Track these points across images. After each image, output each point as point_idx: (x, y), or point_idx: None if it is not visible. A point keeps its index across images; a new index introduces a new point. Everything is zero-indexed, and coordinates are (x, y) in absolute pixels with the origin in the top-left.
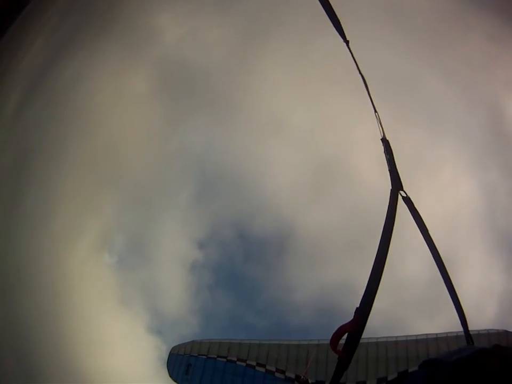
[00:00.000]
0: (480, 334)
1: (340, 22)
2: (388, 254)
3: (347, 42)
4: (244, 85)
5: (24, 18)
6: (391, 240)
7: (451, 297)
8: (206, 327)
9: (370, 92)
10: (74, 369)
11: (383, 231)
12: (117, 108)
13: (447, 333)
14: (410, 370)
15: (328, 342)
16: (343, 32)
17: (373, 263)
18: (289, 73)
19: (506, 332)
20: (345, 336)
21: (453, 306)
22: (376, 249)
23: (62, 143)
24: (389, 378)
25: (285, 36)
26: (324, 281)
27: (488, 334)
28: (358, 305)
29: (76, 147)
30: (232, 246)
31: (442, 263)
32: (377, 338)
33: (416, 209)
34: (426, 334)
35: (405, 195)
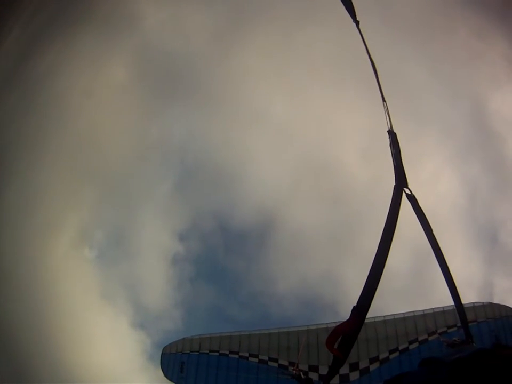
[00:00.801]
0: (465, 308)
1: (351, 1)
2: (389, 254)
3: (357, 22)
4: (226, 74)
5: (1, 5)
6: (393, 240)
7: (452, 296)
8: (189, 321)
9: (379, 78)
10: (58, 364)
11: (384, 229)
12: (95, 98)
13: (433, 308)
14: (400, 347)
15: (317, 327)
16: (354, 11)
17: (372, 262)
18: (273, 62)
19: (491, 304)
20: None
21: (454, 306)
22: (376, 248)
23: (40, 136)
24: (381, 357)
25: (271, 22)
26: (304, 273)
27: (474, 307)
28: (355, 304)
29: (54, 139)
30: (213, 238)
31: (446, 263)
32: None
33: (420, 208)
34: (413, 311)
35: (409, 192)
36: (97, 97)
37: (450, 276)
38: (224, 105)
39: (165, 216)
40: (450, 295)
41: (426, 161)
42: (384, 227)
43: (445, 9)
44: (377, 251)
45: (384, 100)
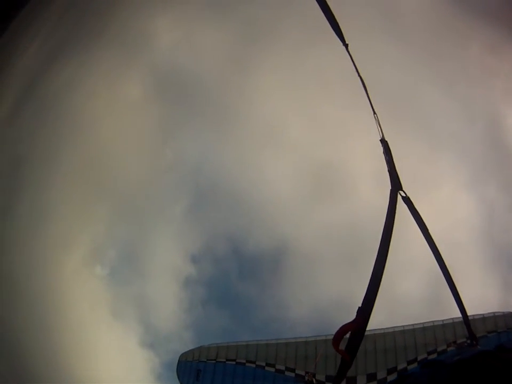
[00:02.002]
0: (485, 318)
1: (339, 26)
2: (389, 254)
3: (346, 45)
4: (240, 93)
5: (20, 22)
6: (391, 240)
7: (453, 295)
8: (199, 343)
9: (369, 93)
10: (67, 381)
11: (383, 231)
12: (110, 115)
13: (452, 318)
14: (419, 358)
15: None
16: (343, 35)
17: (374, 263)
18: (284, 80)
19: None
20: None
21: (456, 305)
22: (377, 249)
23: (55, 150)
24: (399, 367)
25: (281, 41)
26: (319, 297)
27: (494, 317)
28: (360, 305)
29: (68, 155)
30: (226, 261)
31: (443, 261)
32: (384, 329)
33: (416, 209)
34: (433, 321)
35: (404, 195)
36: (112, 114)
37: (450, 275)
38: (239, 125)
39: (178, 238)
40: (451, 293)
41: (442, 184)
42: (383, 230)
43: (457, 24)
44: (377, 253)
45: (374, 112)
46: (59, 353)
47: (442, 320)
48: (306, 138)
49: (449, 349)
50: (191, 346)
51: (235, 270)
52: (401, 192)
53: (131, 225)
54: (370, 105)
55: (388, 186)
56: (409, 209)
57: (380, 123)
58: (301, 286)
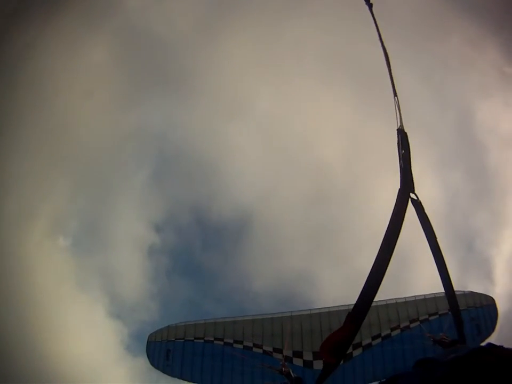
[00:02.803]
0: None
1: None
2: (389, 263)
3: (370, 5)
4: (210, 63)
5: None
6: (395, 247)
7: (450, 306)
8: (165, 313)
9: (391, 70)
10: (35, 355)
11: (385, 237)
12: (71, 79)
13: (415, 296)
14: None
15: (301, 313)
16: None
17: (371, 269)
18: (260, 53)
19: (472, 293)
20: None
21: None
22: (376, 255)
23: (13, 121)
24: (363, 343)
25: (260, 10)
26: (280, 270)
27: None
28: (350, 311)
29: (27, 125)
30: (190, 231)
31: (448, 273)
32: (348, 305)
33: (426, 215)
34: (395, 298)
35: (415, 198)
36: (74, 81)
37: (452, 286)
38: (207, 95)
39: (141, 207)
40: (448, 302)
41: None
42: (385, 234)
43: (438, 15)
44: (376, 259)
45: (395, 95)
46: (26, 327)
47: (405, 298)
48: (275, 112)
49: (412, 325)
50: (157, 317)
51: (199, 239)
52: (411, 194)
53: (93, 195)
54: (391, 85)
55: (396, 185)
56: (417, 214)
57: (400, 108)
58: (264, 258)
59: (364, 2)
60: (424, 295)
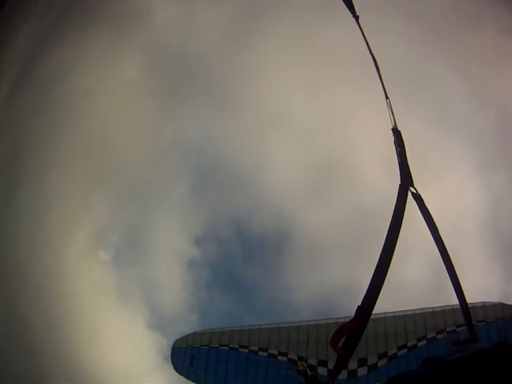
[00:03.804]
0: (475, 307)
1: None
2: (394, 254)
3: (357, 17)
4: (244, 72)
5: (9, 7)
6: (398, 239)
7: (456, 293)
8: (204, 325)
9: (381, 74)
10: (75, 365)
11: (389, 229)
12: (108, 96)
13: (443, 306)
14: (409, 344)
15: (327, 321)
16: (353, 6)
17: (377, 262)
18: (291, 59)
19: (501, 304)
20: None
21: (459, 305)
22: (382, 248)
23: (53, 136)
24: (389, 353)
25: (286, 17)
26: (323, 281)
27: (484, 307)
28: (359, 304)
29: (67, 140)
30: (230, 243)
31: (451, 263)
32: (375, 314)
33: (426, 208)
34: (423, 308)
35: (415, 191)
36: (110, 96)
37: (456, 275)
38: (242, 105)
39: (181, 219)
40: (455, 294)
41: (451, 170)
42: (389, 227)
43: (472, 5)
44: (382, 251)
45: (387, 97)
46: (67, 339)
47: (433, 308)
48: (313, 121)
49: (438, 336)
50: (197, 328)
51: (239, 252)
52: (411, 188)
53: (134, 208)
54: (382, 88)
55: (397, 181)
56: (418, 207)
57: (392, 109)
58: (306, 270)
59: (351, 15)
60: (453, 305)
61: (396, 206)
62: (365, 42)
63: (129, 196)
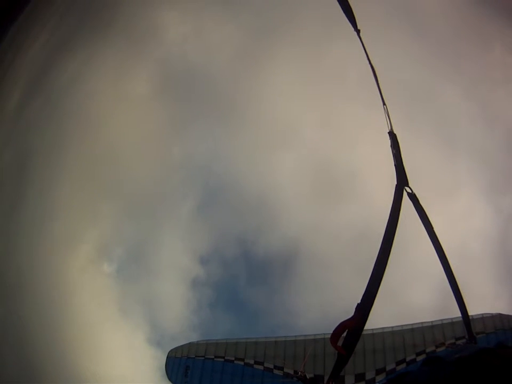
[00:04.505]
0: (474, 319)
1: (352, 10)
2: (391, 252)
3: (358, 31)
4: (253, 91)
5: (24, 19)
6: (395, 237)
7: (454, 294)
8: None
9: (379, 82)
10: (74, 378)
11: (386, 227)
12: (117, 111)
13: (442, 320)
14: (407, 359)
15: (324, 336)
16: (355, 20)
17: (375, 260)
18: (297, 78)
19: (500, 315)
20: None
21: (457, 304)
22: (379, 246)
23: (61, 147)
24: (388, 368)
25: (293, 36)
26: (330, 302)
27: (483, 318)
28: (359, 302)
29: (75, 151)
30: (235, 263)
31: (447, 260)
32: (373, 329)
33: (421, 206)
34: (422, 322)
35: (410, 191)
36: (119, 110)
37: (453, 274)
38: (251, 123)
39: (186, 237)
40: (453, 295)
41: (459, 192)
42: (386, 226)
43: (478, 24)
44: (379, 250)
45: (384, 103)
46: (67, 351)
47: (431, 322)
48: (318, 137)
49: (438, 349)
50: None
51: (244, 272)
52: (407, 188)
53: (138, 223)
54: (380, 96)
55: (394, 182)
56: (414, 206)
57: (389, 114)
58: (312, 290)
59: (353, 29)
60: (452, 318)
61: (392, 205)
62: (365, 54)
63: (136, 211)
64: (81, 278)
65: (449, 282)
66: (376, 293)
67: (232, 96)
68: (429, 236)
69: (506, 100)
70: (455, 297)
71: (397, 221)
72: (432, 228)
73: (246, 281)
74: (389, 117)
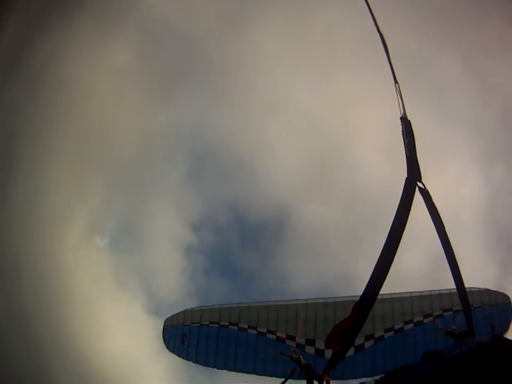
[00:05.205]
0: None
1: None
2: (396, 253)
3: None
4: (240, 56)
5: None
6: (402, 237)
7: (456, 286)
8: None
9: (390, 55)
10: (74, 352)
11: (392, 226)
12: (99, 83)
13: (430, 291)
14: (395, 327)
15: (316, 301)
16: None
17: (378, 260)
18: (289, 43)
19: (488, 290)
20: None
21: (460, 302)
22: (384, 244)
23: (45, 127)
24: (376, 335)
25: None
26: (320, 269)
27: (470, 292)
28: (357, 301)
29: (59, 130)
30: (227, 229)
31: (457, 263)
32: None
33: (434, 204)
34: (410, 292)
35: (422, 187)
36: (102, 84)
37: (460, 276)
38: (238, 90)
39: (177, 206)
40: (457, 292)
41: (450, 160)
42: (393, 223)
43: None
44: (383, 248)
45: (396, 82)
46: (67, 326)
47: (420, 292)
48: (313, 109)
49: (425, 320)
50: None
51: (236, 238)
52: (419, 183)
53: (129, 195)
54: (391, 72)
55: (403, 174)
56: (425, 203)
57: (402, 96)
58: (303, 257)
59: None
60: (440, 290)
61: (401, 201)
62: (372, 20)
63: (125, 183)
64: (76, 255)
65: (456, 284)
66: (377, 294)
67: (220, 63)
68: (439, 237)
69: (500, 70)
70: (460, 296)
71: (406, 221)
72: (444, 228)
73: (239, 246)
74: (401, 98)
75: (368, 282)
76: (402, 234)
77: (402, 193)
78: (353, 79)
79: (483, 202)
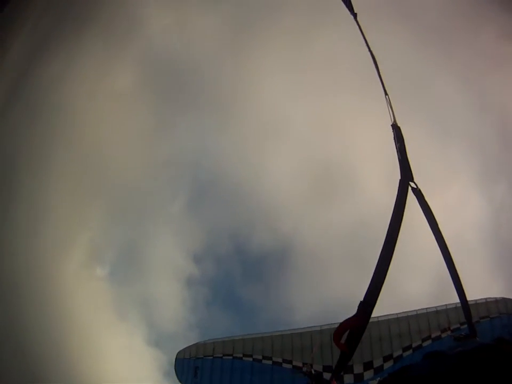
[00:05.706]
0: (478, 303)
1: None
2: (395, 249)
3: (355, 15)
4: (238, 81)
5: (4, 15)
6: (399, 234)
7: (457, 291)
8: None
9: (380, 71)
10: (73, 382)
11: (389, 225)
12: (102, 109)
13: (446, 305)
14: (414, 345)
15: (330, 326)
16: (351, 3)
17: (379, 257)
18: (287, 66)
19: (504, 299)
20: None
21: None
22: (383, 243)
23: (46, 149)
24: (394, 355)
25: (282, 23)
26: (325, 297)
27: (486, 303)
28: (362, 299)
29: (60, 153)
30: (229, 260)
31: (451, 258)
32: (378, 317)
33: (426, 203)
34: (426, 308)
35: (415, 186)
36: (105, 108)
37: (456, 272)
38: (239, 115)
39: (178, 235)
40: (455, 290)
41: (451, 179)
42: (390, 222)
43: (470, 8)
44: (383, 247)
45: (386, 93)
46: (65, 356)
47: (436, 307)
48: (311, 131)
49: (443, 335)
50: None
51: (238, 268)
52: (411, 183)
53: (129, 224)
54: (381, 85)
55: (397, 177)
56: (418, 202)
57: (392, 105)
58: (307, 286)
59: (349, 13)
60: (456, 303)
61: (396, 201)
62: (363, 39)
63: (125, 211)
64: (75, 284)
65: (452, 279)
66: (380, 290)
67: (219, 88)
68: (434, 234)
69: (498, 85)
70: (458, 294)
71: (401, 218)
72: (438, 226)
73: (241, 277)
74: (391, 108)
75: (370, 281)
76: (399, 230)
77: (397, 193)
78: (350, 99)
79: (486, 222)
